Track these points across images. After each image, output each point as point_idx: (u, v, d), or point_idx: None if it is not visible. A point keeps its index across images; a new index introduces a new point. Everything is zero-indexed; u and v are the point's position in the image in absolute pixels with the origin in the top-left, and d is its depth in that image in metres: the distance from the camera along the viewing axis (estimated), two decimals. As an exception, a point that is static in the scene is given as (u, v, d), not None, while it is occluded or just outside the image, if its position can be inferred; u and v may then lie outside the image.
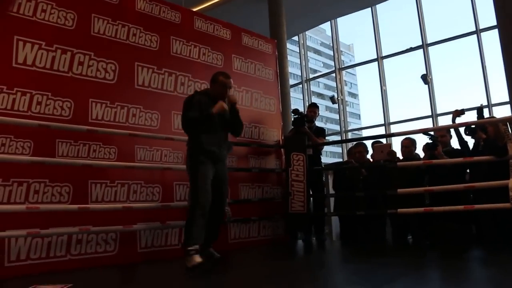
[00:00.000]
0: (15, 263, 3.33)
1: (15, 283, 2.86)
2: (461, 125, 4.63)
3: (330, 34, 12.76)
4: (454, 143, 4.86)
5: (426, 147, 4.67)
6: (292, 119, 5.67)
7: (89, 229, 3.65)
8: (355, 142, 5.80)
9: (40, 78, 3.69)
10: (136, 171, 4.11)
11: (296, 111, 5.58)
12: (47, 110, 3.69)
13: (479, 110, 4.56)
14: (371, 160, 5.33)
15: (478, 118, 4.53)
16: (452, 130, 4.83)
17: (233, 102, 3.78)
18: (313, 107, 5.85)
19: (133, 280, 3.29)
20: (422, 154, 5.04)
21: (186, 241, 3.36)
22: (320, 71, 26.46)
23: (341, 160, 10.27)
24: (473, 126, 4.58)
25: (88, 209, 3.68)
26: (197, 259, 3.24)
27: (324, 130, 5.96)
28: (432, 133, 4.68)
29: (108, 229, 3.80)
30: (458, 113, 4.68)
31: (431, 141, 4.54)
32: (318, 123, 6.15)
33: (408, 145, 4.93)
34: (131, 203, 4.06)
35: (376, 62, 11.06)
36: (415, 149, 5.02)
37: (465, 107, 4.69)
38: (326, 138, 6.50)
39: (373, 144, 5.37)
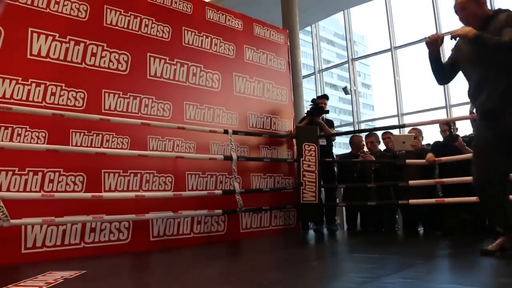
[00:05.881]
0: (31, 250, 3.42)
1: (31, 269, 2.93)
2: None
3: (343, 24, 12.65)
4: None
5: (447, 139, 4.57)
6: (310, 108, 5.67)
7: (102, 218, 3.72)
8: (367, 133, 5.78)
9: (54, 69, 3.75)
10: (148, 160, 4.16)
11: (314, 101, 5.61)
12: (61, 101, 3.75)
13: None
14: (391, 150, 5.27)
15: None
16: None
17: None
18: (324, 98, 5.86)
19: (145, 268, 3.35)
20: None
21: None
22: (334, 62, 26.27)
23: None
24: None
25: (101, 198, 3.75)
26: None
27: (333, 122, 5.98)
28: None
29: (121, 218, 3.86)
30: None
31: (451, 133, 4.48)
32: (331, 114, 6.17)
33: (415, 135, 4.89)
34: (144, 192, 4.12)
35: (390, 53, 10.95)
36: (422, 139, 4.97)
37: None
38: (336, 129, 6.54)
39: (384, 134, 5.32)
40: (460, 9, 2.73)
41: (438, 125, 4.83)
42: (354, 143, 5.64)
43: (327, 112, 5.71)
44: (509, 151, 2.70)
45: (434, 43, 2.83)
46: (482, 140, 2.77)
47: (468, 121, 4.73)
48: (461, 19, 2.76)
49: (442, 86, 9.91)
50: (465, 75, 2.87)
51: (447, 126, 4.69)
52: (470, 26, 2.68)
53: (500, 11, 2.67)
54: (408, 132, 4.96)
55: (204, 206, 4.44)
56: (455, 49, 2.90)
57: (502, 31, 2.53)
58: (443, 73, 2.92)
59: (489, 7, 2.76)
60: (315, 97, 5.84)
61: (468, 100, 4.45)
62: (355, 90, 12.14)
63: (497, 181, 2.73)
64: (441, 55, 2.93)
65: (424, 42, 2.87)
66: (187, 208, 4.31)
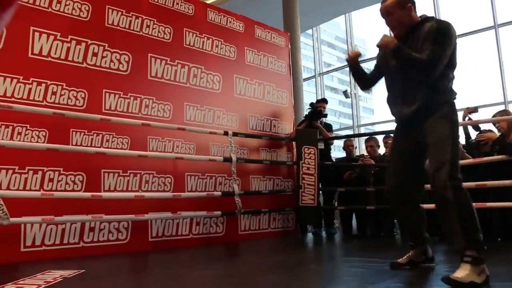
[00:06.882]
0: (31, 248, 3.43)
1: (30, 267, 2.93)
2: (477, 122, 4.51)
3: (344, 28, 12.67)
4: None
5: None
6: (308, 112, 5.68)
7: (101, 218, 3.72)
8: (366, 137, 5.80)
9: (55, 69, 3.76)
10: (148, 161, 4.17)
11: (313, 105, 5.63)
12: (62, 100, 3.76)
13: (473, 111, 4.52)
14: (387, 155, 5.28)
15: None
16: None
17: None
18: (323, 102, 5.88)
19: (144, 268, 3.35)
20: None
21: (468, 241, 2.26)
22: (334, 65, 26.28)
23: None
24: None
25: (100, 197, 3.75)
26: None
27: (331, 126, 6.01)
28: None
29: (120, 218, 3.87)
30: (470, 110, 4.56)
31: None
32: (331, 118, 6.19)
33: None
34: (143, 192, 4.12)
35: (390, 57, 10.96)
36: None
37: (479, 104, 4.58)
38: (335, 133, 6.55)
39: (385, 138, 5.32)
40: (385, 14, 2.59)
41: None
42: (344, 146, 5.73)
43: (326, 116, 5.73)
44: (423, 159, 2.64)
45: (354, 59, 2.79)
46: (399, 146, 2.67)
47: (461, 128, 4.74)
48: (387, 25, 2.63)
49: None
50: (386, 82, 2.76)
51: None
52: (396, 32, 2.59)
53: (427, 19, 2.55)
54: None
55: (203, 207, 4.45)
56: (380, 57, 2.81)
57: (423, 44, 2.44)
58: (365, 80, 2.85)
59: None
60: (314, 101, 5.85)
61: (463, 106, 4.44)
62: (355, 93, 12.15)
63: (411, 190, 2.67)
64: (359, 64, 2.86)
65: (345, 59, 2.84)
66: (186, 209, 4.32)
